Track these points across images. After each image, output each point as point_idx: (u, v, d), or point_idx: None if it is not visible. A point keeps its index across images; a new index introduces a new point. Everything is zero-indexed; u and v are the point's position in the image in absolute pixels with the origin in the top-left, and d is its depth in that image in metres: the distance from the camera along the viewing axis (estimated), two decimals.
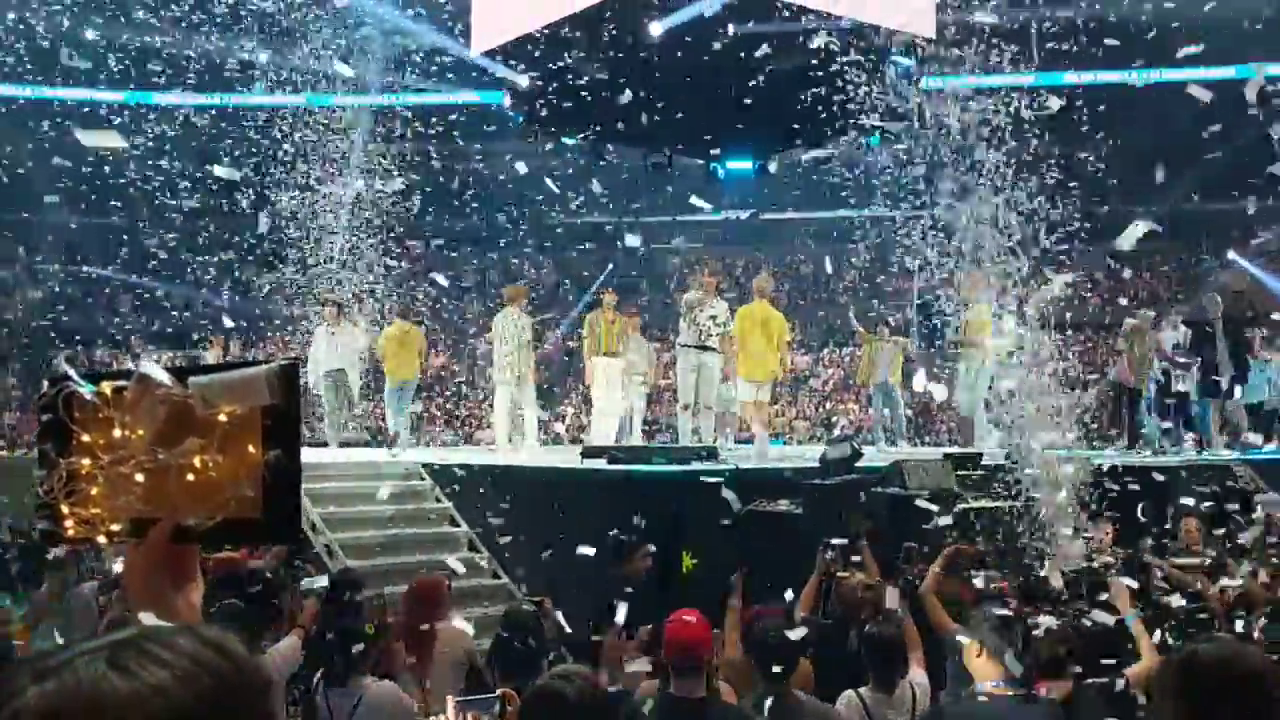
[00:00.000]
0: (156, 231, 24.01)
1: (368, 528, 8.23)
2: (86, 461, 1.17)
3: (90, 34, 22.59)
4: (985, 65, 9.36)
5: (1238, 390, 11.64)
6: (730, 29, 11.17)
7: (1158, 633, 4.44)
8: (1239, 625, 4.59)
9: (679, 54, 11.68)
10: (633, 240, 23.94)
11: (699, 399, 10.41)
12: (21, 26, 20.90)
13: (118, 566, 6.18)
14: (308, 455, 7.83)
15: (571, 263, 30.31)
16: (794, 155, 16.10)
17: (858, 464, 7.75)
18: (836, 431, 19.32)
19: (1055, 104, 7.40)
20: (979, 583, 5.06)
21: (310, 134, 13.33)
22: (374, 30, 16.99)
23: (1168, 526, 7.22)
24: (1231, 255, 24.62)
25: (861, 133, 12.54)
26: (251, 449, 1.14)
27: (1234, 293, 20.01)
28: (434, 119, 20.87)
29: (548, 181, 17.15)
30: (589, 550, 5.67)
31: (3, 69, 21.92)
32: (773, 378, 10.62)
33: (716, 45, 11.14)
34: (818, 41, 10.18)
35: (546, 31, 11.81)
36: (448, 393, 24.59)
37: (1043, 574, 5.35)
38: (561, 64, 12.18)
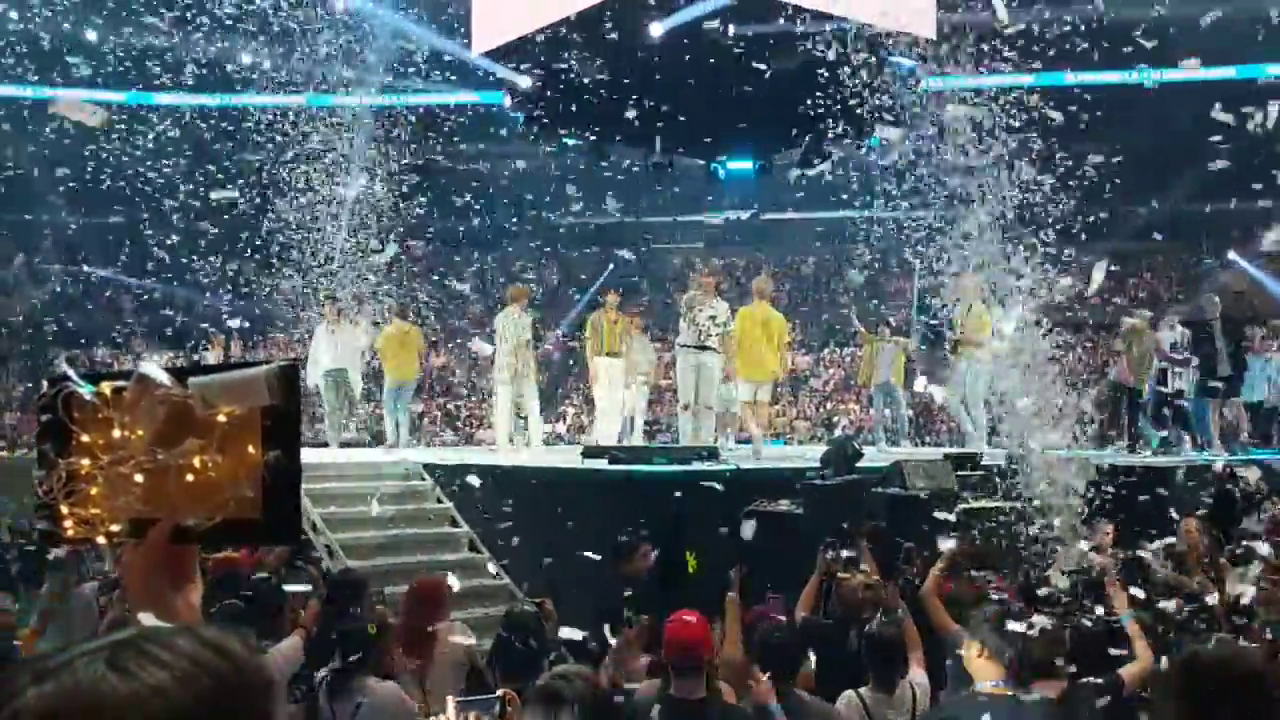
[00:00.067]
0: (157, 232, 24.01)
1: (368, 528, 8.24)
2: (86, 462, 1.17)
3: (91, 34, 22.59)
4: (986, 66, 9.36)
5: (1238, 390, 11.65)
6: (730, 29, 11.18)
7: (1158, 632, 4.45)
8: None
9: (679, 54, 11.70)
10: (626, 253, 24.02)
11: (699, 399, 10.41)
12: (22, 26, 20.90)
13: (107, 566, 6.20)
14: (308, 455, 7.85)
15: (572, 263, 30.32)
16: (794, 160, 16.10)
17: (858, 464, 7.75)
18: (837, 432, 19.31)
19: (1057, 116, 7.43)
20: (979, 583, 5.07)
21: (311, 134, 13.33)
22: (374, 31, 16.98)
23: (1168, 527, 7.22)
24: (1232, 255, 24.61)
25: (861, 134, 12.54)
26: (251, 449, 1.14)
27: (1234, 293, 20.03)
28: (436, 119, 20.90)
29: (549, 181, 17.16)
30: (594, 555, 5.68)
31: (3, 69, 21.91)
32: (773, 378, 10.62)
33: (716, 46, 11.14)
34: (817, 42, 10.19)
35: (548, 33, 11.82)
36: (450, 393, 24.59)
37: (1046, 574, 5.35)
38: (562, 64, 12.19)
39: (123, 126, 19.32)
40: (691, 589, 5.55)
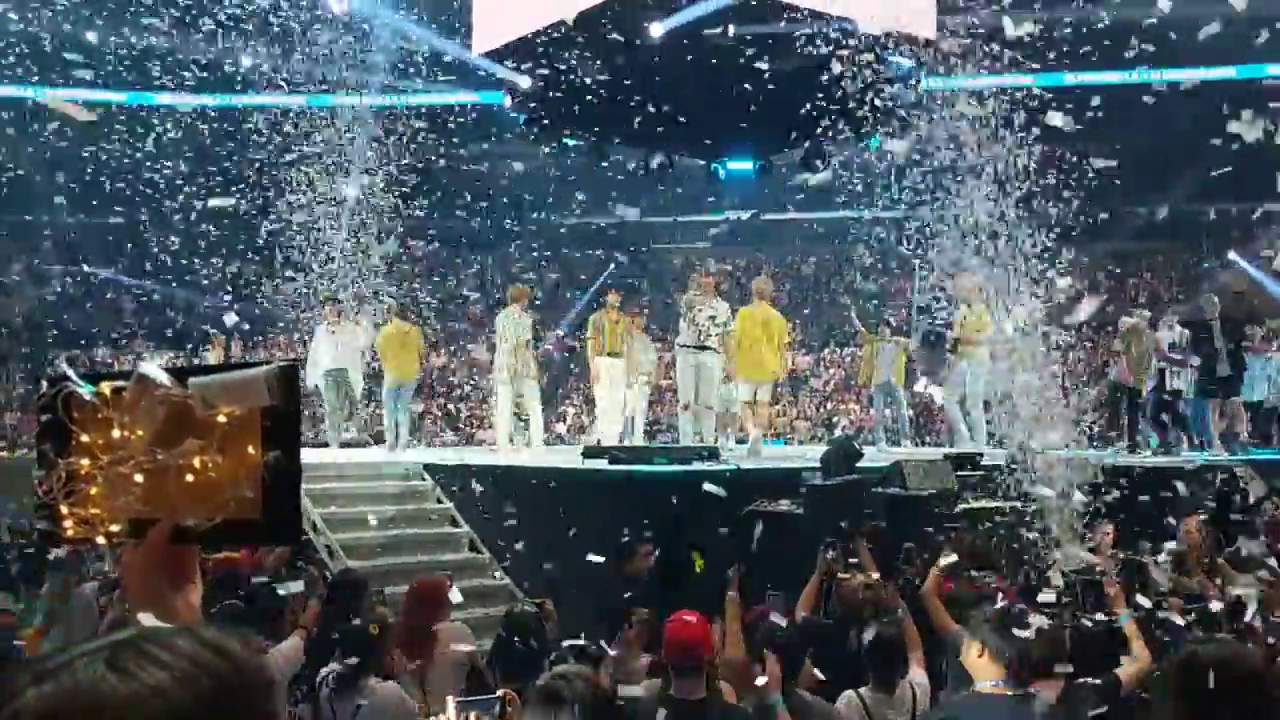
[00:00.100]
0: (157, 233, 24.03)
1: (369, 528, 8.24)
2: (86, 462, 1.17)
3: (91, 35, 22.60)
4: (986, 66, 9.36)
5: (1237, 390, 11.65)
6: (731, 30, 11.18)
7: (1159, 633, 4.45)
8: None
9: (679, 55, 11.69)
10: (621, 258, 24.09)
11: (699, 398, 10.41)
12: (22, 27, 20.90)
13: (107, 566, 6.20)
14: (308, 456, 7.85)
15: (573, 264, 30.33)
16: (794, 160, 16.10)
17: (858, 464, 7.76)
18: (838, 432, 19.32)
19: (1059, 119, 7.42)
20: (978, 584, 5.07)
21: (311, 135, 13.34)
22: (375, 31, 16.99)
23: (1168, 527, 7.22)
24: (1232, 256, 24.61)
25: (861, 135, 12.55)
26: (251, 450, 1.14)
27: (1234, 293, 20.03)
28: (436, 120, 20.90)
29: (549, 182, 17.18)
30: (598, 558, 5.68)
31: (3, 69, 21.93)
32: (773, 378, 10.62)
33: (717, 46, 11.14)
34: (818, 43, 10.19)
35: (548, 34, 11.81)
36: (450, 393, 24.59)
37: (1046, 574, 5.35)
38: (562, 65, 12.18)
39: (123, 127, 19.34)
40: (692, 589, 5.55)
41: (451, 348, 26.14)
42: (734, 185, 20.83)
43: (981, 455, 8.61)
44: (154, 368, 1.15)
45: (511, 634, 4.51)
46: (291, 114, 13.90)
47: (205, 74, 20.53)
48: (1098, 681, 3.84)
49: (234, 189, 16.76)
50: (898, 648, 4.33)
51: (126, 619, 1.13)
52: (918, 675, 4.40)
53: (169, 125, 21.83)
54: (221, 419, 1.13)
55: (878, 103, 10.10)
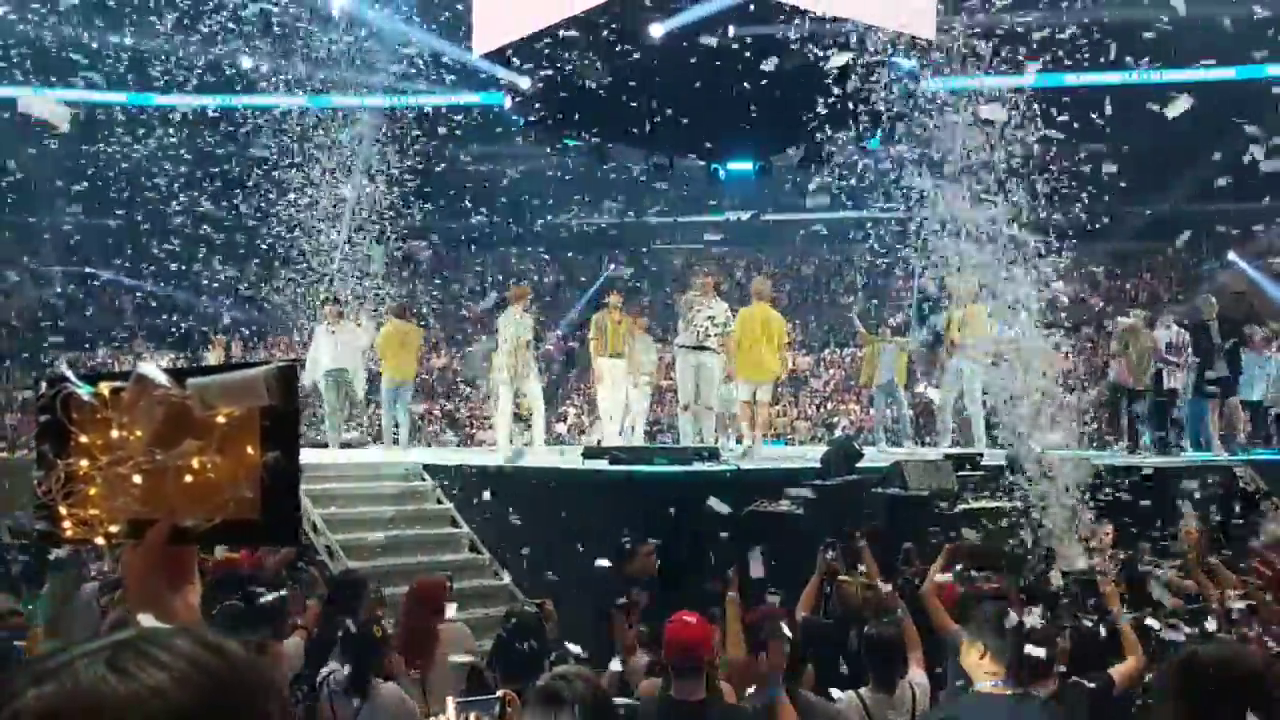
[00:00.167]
0: (157, 233, 24.03)
1: (369, 529, 8.24)
2: (84, 462, 1.17)
3: (92, 35, 22.59)
4: (986, 66, 9.36)
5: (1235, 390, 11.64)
6: (731, 31, 11.18)
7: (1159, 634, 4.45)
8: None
9: (679, 56, 11.70)
10: (621, 270, 24.09)
11: (699, 399, 10.41)
12: (23, 27, 20.90)
13: (106, 566, 6.19)
14: (308, 456, 7.84)
15: (573, 264, 30.33)
16: (793, 161, 16.10)
17: (858, 464, 7.76)
18: (838, 432, 19.31)
19: (1057, 130, 7.46)
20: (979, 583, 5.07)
21: (311, 136, 13.34)
22: (375, 33, 16.99)
23: (1168, 528, 7.22)
24: (1231, 256, 24.60)
25: (861, 135, 12.54)
26: (250, 450, 1.14)
27: (1232, 293, 20.01)
28: (437, 121, 20.90)
29: (549, 184, 17.18)
30: (605, 563, 5.68)
31: (3, 70, 21.92)
32: (773, 379, 10.62)
33: (717, 47, 11.14)
34: (818, 43, 10.18)
35: (549, 34, 11.82)
36: (451, 394, 24.59)
37: (1046, 574, 5.35)
38: (563, 66, 12.19)
39: (122, 129, 19.33)
40: (693, 589, 5.55)
41: (451, 346, 26.14)
42: (734, 186, 20.84)
43: (981, 455, 8.62)
44: (152, 368, 1.15)
45: (511, 634, 4.51)
46: (292, 115, 13.90)
47: (206, 75, 20.53)
48: (1091, 682, 3.85)
49: (234, 190, 16.77)
50: (897, 648, 4.33)
51: (128, 619, 1.13)
52: (917, 675, 4.40)
53: (169, 126, 21.81)
54: (220, 419, 1.13)
55: (877, 103, 10.10)
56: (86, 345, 23.61)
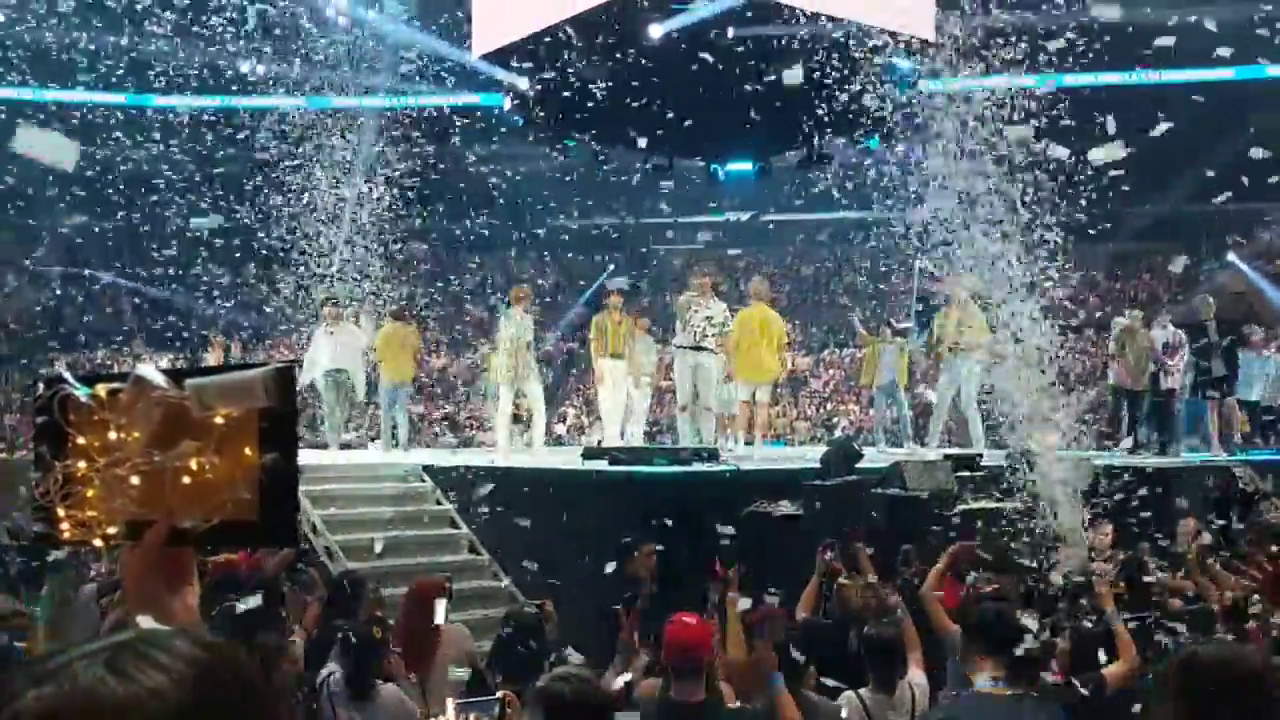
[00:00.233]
0: (157, 234, 24.04)
1: (368, 530, 8.24)
2: (82, 464, 1.17)
3: (91, 36, 22.60)
4: (985, 67, 9.36)
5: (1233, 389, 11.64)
6: (730, 32, 11.19)
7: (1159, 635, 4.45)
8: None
9: (679, 56, 11.70)
10: (620, 282, 24.08)
11: (698, 399, 10.41)
12: (22, 29, 20.92)
13: (104, 566, 6.19)
14: (308, 457, 7.84)
15: (573, 265, 30.32)
16: (793, 164, 16.10)
17: (857, 465, 7.76)
18: (837, 433, 19.31)
19: (1060, 147, 7.46)
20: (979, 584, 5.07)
21: (311, 138, 13.33)
22: (375, 34, 17.00)
23: (1167, 528, 7.22)
24: (1231, 256, 24.61)
25: (860, 136, 12.56)
26: (248, 451, 1.14)
27: (1231, 294, 20.01)
28: (437, 122, 20.91)
29: (549, 185, 17.18)
30: (611, 567, 5.68)
31: (3, 70, 21.93)
32: (772, 379, 10.61)
33: (716, 47, 11.15)
34: (817, 44, 10.19)
35: (548, 35, 11.83)
36: (450, 395, 24.58)
37: (1046, 575, 5.35)
38: (562, 67, 12.19)
39: (121, 131, 19.34)
40: (692, 589, 5.55)
41: (451, 347, 26.14)
42: (733, 187, 20.84)
43: (981, 455, 8.62)
44: (150, 369, 1.15)
45: (511, 635, 4.51)
46: (291, 116, 13.90)
47: (206, 77, 20.54)
48: (1084, 684, 3.86)
49: (233, 191, 16.77)
50: (897, 648, 4.33)
51: (127, 621, 1.13)
52: (917, 676, 4.40)
53: (168, 127, 21.83)
54: (218, 420, 1.13)
55: (877, 105, 10.10)
56: (85, 347, 23.62)
